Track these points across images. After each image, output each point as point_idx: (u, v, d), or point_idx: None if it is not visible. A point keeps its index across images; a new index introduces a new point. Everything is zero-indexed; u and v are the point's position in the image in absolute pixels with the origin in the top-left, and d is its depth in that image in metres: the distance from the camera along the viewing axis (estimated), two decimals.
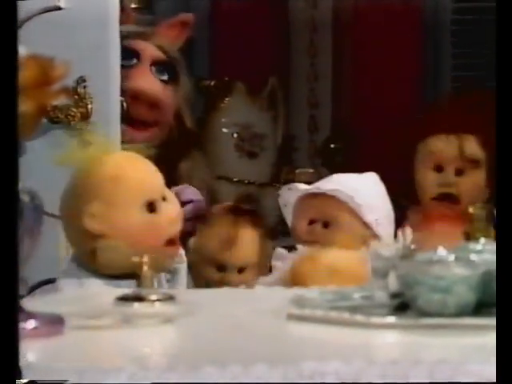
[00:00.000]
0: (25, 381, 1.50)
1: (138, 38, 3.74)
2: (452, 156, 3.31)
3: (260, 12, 4.81)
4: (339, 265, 2.41)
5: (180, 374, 1.50)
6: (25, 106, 1.73)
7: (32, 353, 1.65)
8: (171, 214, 2.46)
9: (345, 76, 4.96)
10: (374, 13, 4.69)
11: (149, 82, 3.66)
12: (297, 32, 5.00)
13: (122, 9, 3.43)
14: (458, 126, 3.22)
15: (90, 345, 1.71)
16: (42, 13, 1.87)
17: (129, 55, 3.51)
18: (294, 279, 2.44)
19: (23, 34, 1.73)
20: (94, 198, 2.33)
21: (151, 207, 2.42)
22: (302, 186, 2.94)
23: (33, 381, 1.50)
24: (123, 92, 3.31)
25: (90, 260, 2.25)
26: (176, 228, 2.45)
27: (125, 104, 3.27)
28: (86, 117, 3.18)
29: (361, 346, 1.68)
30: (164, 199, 2.46)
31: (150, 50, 3.73)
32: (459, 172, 3.33)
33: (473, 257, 1.80)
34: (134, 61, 3.56)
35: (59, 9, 1.94)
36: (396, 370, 1.52)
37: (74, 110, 3.09)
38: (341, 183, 2.89)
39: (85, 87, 3.32)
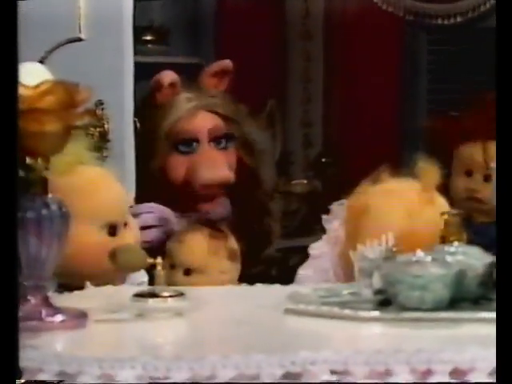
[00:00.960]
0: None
1: (188, 95, 3.48)
2: (480, 163, 3.08)
3: (260, 44, 4.82)
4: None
5: (188, 363, 1.49)
6: (53, 126, 1.72)
7: (59, 343, 1.66)
8: (129, 241, 2.20)
9: (334, 99, 4.98)
10: (361, 46, 4.72)
11: (216, 165, 3.44)
12: (292, 61, 5.02)
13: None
14: (484, 134, 3.01)
15: (109, 336, 1.71)
16: (66, 44, 1.85)
17: (188, 141, 3.34)
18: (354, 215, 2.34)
19: (49, 62, 1.72)
20: None
21: (112, 230, 2.21)
22: None
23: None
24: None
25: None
26: None
27: (138, 124, 3.21)
28: (103, 135, 3.18)
29: (349, 337, 1.68)
30: (125, 225, 2.24)
31: (203, 126, 3.49)
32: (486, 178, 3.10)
33: (447, 258, 1.80)
34: (194, 145, 3.36)
35: (80, 40, 1.93)
36: (379, 358, 1.51)
37: (93, 129, 3.09)
38: None
39: (102, 109, 3.31)
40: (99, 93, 3.40)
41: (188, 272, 2.55)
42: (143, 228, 2.58)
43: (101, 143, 3.16)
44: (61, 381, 1.48)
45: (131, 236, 2.24)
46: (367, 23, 4.75)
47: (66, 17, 2.15)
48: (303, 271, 2.54)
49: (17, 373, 1.46)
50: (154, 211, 2.88)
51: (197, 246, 2.57)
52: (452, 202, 3.01)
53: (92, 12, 2.05)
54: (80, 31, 1.96)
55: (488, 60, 4.81)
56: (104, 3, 2.72)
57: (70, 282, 2.06)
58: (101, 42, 2.40)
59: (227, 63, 3.38)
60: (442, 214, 2.04)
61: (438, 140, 3.20)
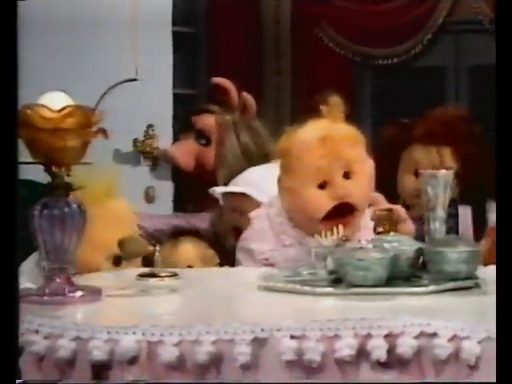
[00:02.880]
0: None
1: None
2: (431, 165, 2.74)
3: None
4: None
5: (178, 329, 1.46)
6: (73, 142, 1.70)
7: (77, 314, 1.61)
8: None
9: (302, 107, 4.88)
10: (319, 80, 4.66)
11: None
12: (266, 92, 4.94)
13: None
14: (437, 139, 2.79)
15: (117, 308, 1.67)
16: (123, 83, 1.80)
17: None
18: None
19: (107, 98, 1.69)
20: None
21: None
22: None
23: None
24: None
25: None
26: None
27: None
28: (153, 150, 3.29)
29: (307, 309, 1.64)
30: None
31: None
32: None
33: (385, 245, 1.77)
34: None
35: (135, 80, 1.87)
36: (330, 325, 1.47)
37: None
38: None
39: (153, 130, 3.38)
40: (148, 119, 3.62)
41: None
42: None
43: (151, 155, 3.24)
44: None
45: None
46: (324, 61, 4.74)
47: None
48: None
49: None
50: None
51: (184, 251, 2.43)
52: (398, 196, 2.93)
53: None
54: (136, 73, 1.90)
55: (417, 91, 4.85)
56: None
57: None
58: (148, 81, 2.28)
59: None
60: (375, 210, 1.99)
61: (388, 143, 3.09)
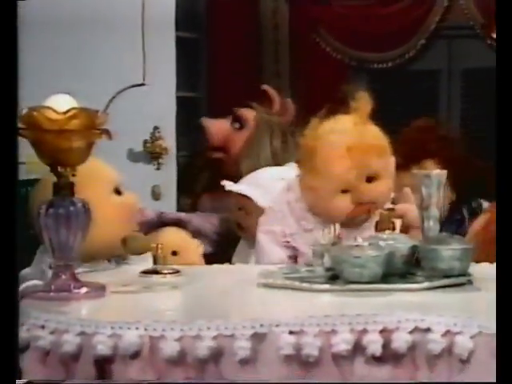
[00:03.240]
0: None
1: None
2: None
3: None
4: None
5: (179, 325, 1.46)
6: (78, 143, 1.69)
7: (82, 310, 1.61)
8: None
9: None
10: (316, 83, 4.65)
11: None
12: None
13: None
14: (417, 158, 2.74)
15: (121, 304, 1.66)
16: (130, 88, 1.79)
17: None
18: None
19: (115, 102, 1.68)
20: None
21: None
22: None
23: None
24: None
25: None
26: None
27: None
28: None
29: (305, 305, 1.63)
30: None
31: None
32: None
33: (380, 243, 1.75)
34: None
35: (143, 85, 1.86)
36: (327, 320, 1.47)
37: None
38: None
39: (159, 132, 3.45)
40: (155, 121, 3.68)
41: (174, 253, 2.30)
42: None
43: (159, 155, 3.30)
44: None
45: None
46: (321, 65, 4.73)
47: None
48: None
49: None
50: None
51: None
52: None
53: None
54: (144, 78, 1.89)
55: (412, 94, 4.84)
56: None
57: None
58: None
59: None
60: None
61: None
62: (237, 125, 3.02)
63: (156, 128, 3.80)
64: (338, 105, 2.11)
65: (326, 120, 2.08)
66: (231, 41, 4.63)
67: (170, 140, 3.80)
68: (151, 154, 3.82)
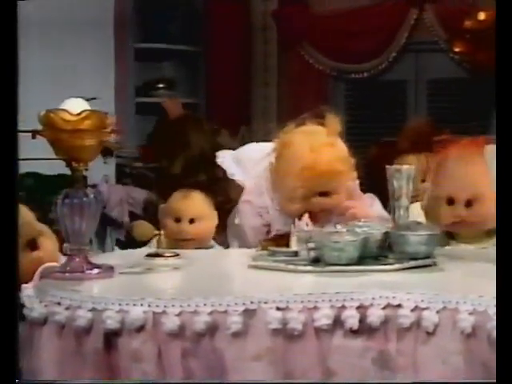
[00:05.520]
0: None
1: None
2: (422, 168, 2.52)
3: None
4: None
5: (179, 302, 1.43)
6: (90, 141, 1.66)
7: (93, 288, 1.58)
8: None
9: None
10: (299, 91, 4.62)
11: None
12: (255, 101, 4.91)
13: None
14: (419, 146, 2.74)
15: (128, 284, 1.62)
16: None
17: None
18: None
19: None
20: None
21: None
22: None
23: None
24: None
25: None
26: None
27: None
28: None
29: (290, 284, 1.61)
30: None
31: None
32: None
33: (356, 229, 1.74)
34: None
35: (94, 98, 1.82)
36: (310, 298, 1.45)
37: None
38: None
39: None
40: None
41: (192, 221, 2.23)
42: None
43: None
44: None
45: None
46: (305, 75, 4.71)
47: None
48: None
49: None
50: None
51: (197, 200, 2.28)
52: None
53: None
54: None
55: (383, 101, 4.83)
56: None
57: None
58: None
59: None
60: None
61: (375, 160, 2.97)
62: None
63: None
64: (315, 117, 2.11)
65: (301, 126, 2.10)
66: (225, 55, 4.62)
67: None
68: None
